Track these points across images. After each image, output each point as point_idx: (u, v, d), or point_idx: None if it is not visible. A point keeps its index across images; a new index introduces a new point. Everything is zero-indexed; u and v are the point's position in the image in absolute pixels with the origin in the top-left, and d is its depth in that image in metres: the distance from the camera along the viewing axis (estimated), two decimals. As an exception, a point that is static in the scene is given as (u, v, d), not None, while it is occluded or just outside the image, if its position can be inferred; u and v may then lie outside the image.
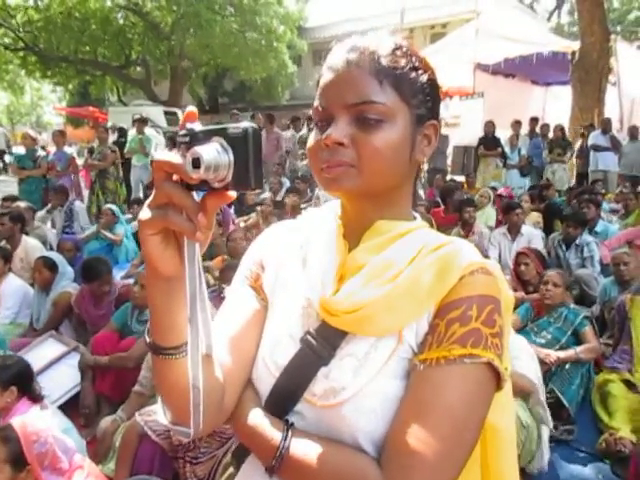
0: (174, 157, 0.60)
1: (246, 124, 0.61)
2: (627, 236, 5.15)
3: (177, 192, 0.61)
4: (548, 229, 5.80)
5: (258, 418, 0.78)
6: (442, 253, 0.76)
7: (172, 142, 0.66)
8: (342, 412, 0.73)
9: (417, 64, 0.79)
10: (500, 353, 0.73)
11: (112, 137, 9.43)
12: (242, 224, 6.07)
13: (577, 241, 4.94)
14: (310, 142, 0.79)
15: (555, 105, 13.31)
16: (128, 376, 3.03)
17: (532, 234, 5.26)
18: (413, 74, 0.78)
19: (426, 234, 0.82)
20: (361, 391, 0.73)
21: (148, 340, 0.73)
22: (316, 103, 0.79)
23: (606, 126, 9.33)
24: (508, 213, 5.33)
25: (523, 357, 2.73)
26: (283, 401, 0.79)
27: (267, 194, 6.80)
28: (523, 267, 4.17)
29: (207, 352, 0.74)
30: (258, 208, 6.06)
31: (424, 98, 0.79)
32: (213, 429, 0.85)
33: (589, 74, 11.24)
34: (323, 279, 0.80)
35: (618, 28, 20.77)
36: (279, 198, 7.12)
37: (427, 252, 0.76)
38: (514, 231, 5.24)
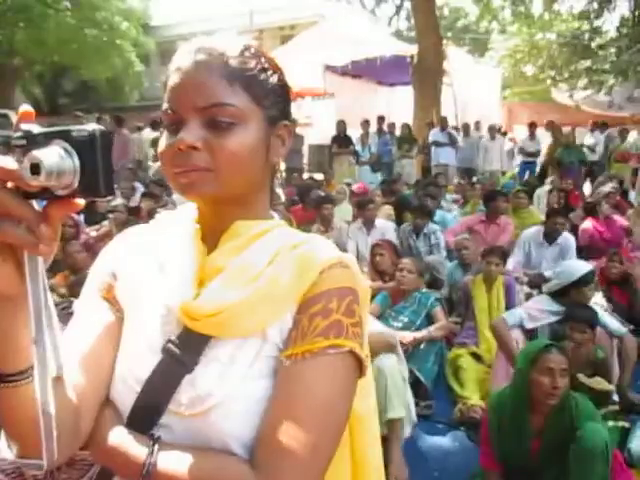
0: (9, 162, 0.54)
1: (93, 126, 0.57)
2: (467, 223, 5.67)
3: (13, 201, 0.55)
4: (399, 220, 6.19)
5: (120, 436, 0.74)
6: (301, 251, 0.77)
7: (6, 146, 0.59)
8: (211, 419, 0.72)
9: (267, 65, 0.79)
10: (361, 341, 0.76)
11: None
12: (93, 233, 5.67)
13: (425, 230, 5.33)
14: (162, 146, 0.76)
15: (399, 104, 14.23)
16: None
17: (385, 227, 5.58)
18: (263, 75, 0.77)
19: (284, 233, 0.82)
20: (229, 395, 0.72)
21: None
22: (165, 106, 0.76)
23: (443, 123, 10.20)
24: (362, 208, 5.60)
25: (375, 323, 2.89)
26: (147, 416, 0.76)
27: (119, 200, 6.44)
28: (379, 258, 4.40)
29: (57, 374, 0.67)
30: (110, 216, 5.71)
31: (275, 99, 0.79)
32: (70, 456, 0.78)
33: (426, 76, 12.17)
34: (182, 284, 0.77)
35: (449, 34, 22.72)
36: (133, 204, 6.77)
37: (286, 251, 0.77)
38: (368, 225, 5.51)
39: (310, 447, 0.69)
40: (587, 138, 11.08)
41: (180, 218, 0.87)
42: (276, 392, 0.72)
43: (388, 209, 6.60)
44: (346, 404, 0.75)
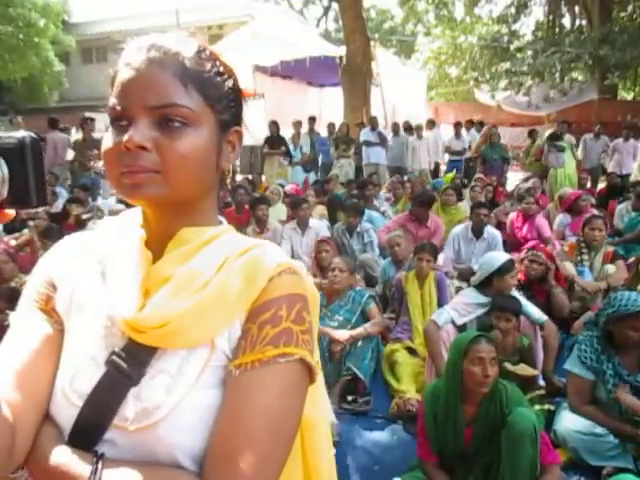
0: None
1: (23, 133, 0.54)
2: (399, 221, 5.80)
3: None
4: (333, 220, 6.24)
5: (61, 455, 0.70)
6: (249, 257, 0.76)
7: None
8: (158, 432, 0.69)
9: (222, 69, 0.77)
10: (311, 348, 0.75)
11: None
12: (13, 242, 5.37)
13: (358, 229, 5.40)
14: (107, 144, 0.73)
15: (329, 105, 14.39)
16: None
17: (319, 226, 5.61)
18: (218, 79, 0.76)
19: (232, 239, 0.81)
20: (176, 408, 0.70)
21: None
22: (113, 102, 0.73)
23: (373, 123, 10.39)
24: (296, 208, 5.62)
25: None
26: (90, 432, 0.72)
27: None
28: (324, 254, 4.43)
29: None
30: (31, 223, 5.42)
31: (229, 104, 0.78)
32: (4, 478, 0.74)
33: (355, 77, 12.37)
34: (126, 294, 0.74)
35: (376, 36, 23.18)
36: (55, 210, 6.45)
37: (234, 258, 0.75)
38: (303, 225, 5.53)
39: (261, 458, 0.68)
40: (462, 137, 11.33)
41: (124, 224, 0.84)
42: (225, 402, 0.71)
43: (321, 209, 6.64)
44: (296, 413, 0.74)
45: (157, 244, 0.78)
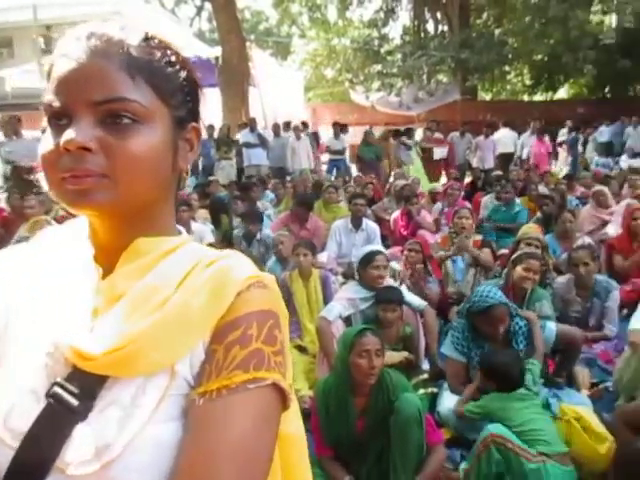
0: None
1: None
2: (283, 221, 5.84)
3: None
4: (216, 223, 6.14)
5: None
6: (214, 270, 0.67)
7: None
8: (110, 475, 0.60)
9: (173, 59, 0.69)
10: (284, 371, 0.67)
11: None
12: None
13: (258, 236, 5.30)
14: (44, 146, 0.64)
15: (207, 106, 14.11)
16: None
17: (202, 230, 5.48)
18: (170, 70, 0.68)
19: (194, 250, 0.72)
20: (131, 445, 0.60)
21: None
22: (49, 98, 0.64)
23: (253, 124, 10.36)
24: (177, 212, 5.41)
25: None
26: (28, 477, 0.61)
27: None
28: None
29: None
30: None
31: (184, 98, 0.70)
32: None
33: (232, 77, 12.28)
34: (72, 316, 0.65)
35: (252, 37, 23.16)
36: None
37: (197, 271, 0.67)
38: (185, 229, 5.33)
39: None
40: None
41: (67, 236, 0.74)
42: (188, 436, 0.62)
43: (204, 212, 6.51)
44: (270, 446, 0.65)
45: (107, 258, 0.68)
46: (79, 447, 0.61)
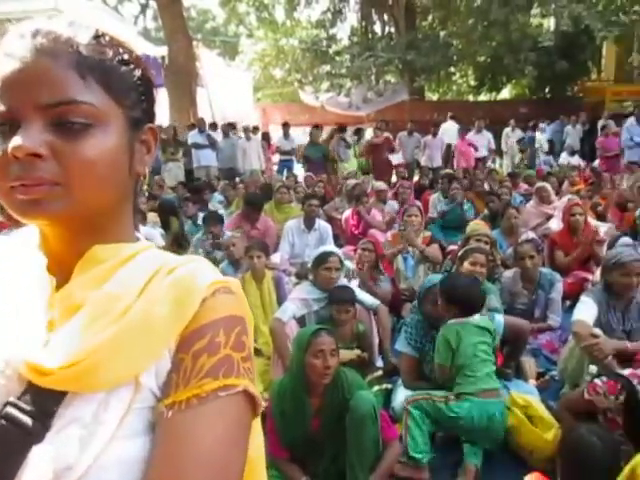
0: None
1: None
2: (234, 222, 5.78)
3: None
4: (165, 226, 6.02)
5: None
6: (177, 276, 0.64)
7: None
8: None
9: (126, 57, 0.66)
10: (253, 377, 0.66)
11: None
12: None
13: (221, 240, 5.20)
14: None
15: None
16: None
17: (152, 234, 5.34)
18: (124, 68, 0.65)
19: (155, 256, 0.69)
20: (94, 465, 0.57)
21: None
22: None
23: (201, 125, 10.22)
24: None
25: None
26: None
27: None
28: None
29: None
30: None
31: (138, 98, 0.67)
32: None
33: (179, 78, 12.07)
34: (26, 329, 0.61)
35: (199, 36, 22.81)
36: None
37: (159, 277, 0.64)
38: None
39: None
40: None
41: (16, 245, 0.69)
42: (158, 450, 0.59)
43: (154, 216, 6.37)
44: (243, 455, 0.63)
45: (61, 267, 0.65)
46: (36, 471, 0.56)
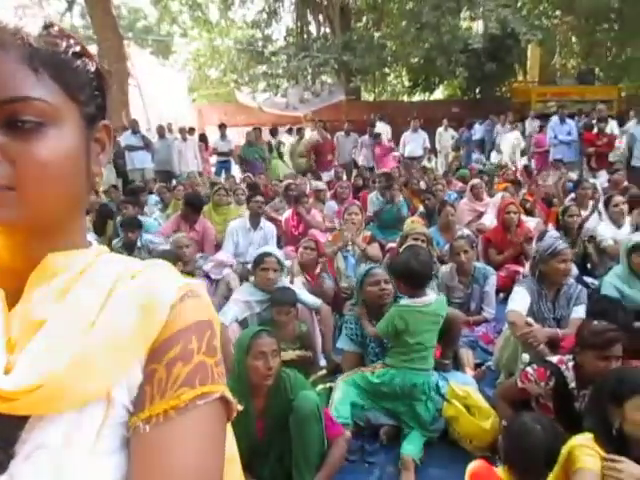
0: None
1: None
2: (173, 223, 5.64)
3: None
4: (99, 230, 5.81)
5: None
6: (142, 282, 0.62)
7: None
8: None
9: (78, 49, 0.61)
10: (225, 381, 0.64)
11: None
12: None
13: (138, 243, 5.07)
14: None
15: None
16: None
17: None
18: (78, 62, 0.60)
19: (113, 261, 0.65)
20: None
21: None
22: None
23: (135, 126, 9.92)
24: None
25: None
26: None
27: None
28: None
29: None
30: None
31: (92, 93, 0.63)
32: None
33: (110, 77, 11.66)
34: None
35: (130, 34, 22.14)
36: None
37: (123, 285, 0.61)
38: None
39: None
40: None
41: None
42: (138, 467, 0.56)
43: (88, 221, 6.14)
44: (222, 460, 0.62)
45: (11, 278, 0.60)
46: None
